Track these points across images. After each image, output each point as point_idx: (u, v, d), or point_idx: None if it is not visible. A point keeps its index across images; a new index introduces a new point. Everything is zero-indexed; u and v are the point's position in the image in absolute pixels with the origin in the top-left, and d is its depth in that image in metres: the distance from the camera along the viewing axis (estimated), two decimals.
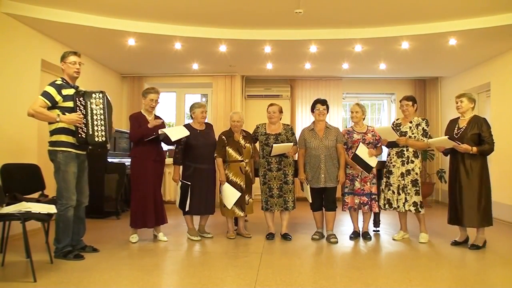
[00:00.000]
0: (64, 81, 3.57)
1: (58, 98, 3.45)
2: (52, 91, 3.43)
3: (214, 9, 4.56)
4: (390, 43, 5.35)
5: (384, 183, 4.40)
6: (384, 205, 4.37)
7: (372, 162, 4.28)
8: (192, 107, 4.46)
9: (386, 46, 5.51)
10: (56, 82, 3.51)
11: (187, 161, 4.34)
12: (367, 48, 5.56)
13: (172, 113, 7.96)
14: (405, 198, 4.24)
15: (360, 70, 7.03)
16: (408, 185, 4.23)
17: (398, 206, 4.27)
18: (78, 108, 3.49)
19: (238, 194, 4.25)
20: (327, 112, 4.40)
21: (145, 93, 4.23)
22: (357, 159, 4.26)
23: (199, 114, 4.38)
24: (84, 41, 5.28)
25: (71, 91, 3.53)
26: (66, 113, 3.45)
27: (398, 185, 4.27)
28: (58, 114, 3.42)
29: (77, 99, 3.50)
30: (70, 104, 3.50)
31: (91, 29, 4.77)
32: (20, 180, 3.76)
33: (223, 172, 4.32)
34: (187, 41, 5.31)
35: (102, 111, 3.58)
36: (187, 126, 4.40)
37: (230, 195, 4.26)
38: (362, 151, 4.27)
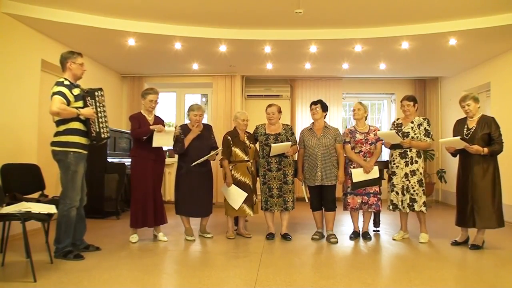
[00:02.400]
0: (68, 81, 3.57)
1: (71, 98, 3.49)
2: (66, 91, 3.46)
3: (214, 9, 4.57)
4: (390, 43, 5.35)
5: (389, 185, 4.39)
6: (389, 206, 4.34)
7: (374, 174, 4.28)
8: (188, 109, 4.38)
9: (386, 46, 5.51)
10: (65, 83, 3.52)
11: (180, 161, 4.33)
12: (367, 48, 5.56)
13: (172, 113, 7.96)
14: (410, 199, 4.20)
15: (360, 70, 7.03)
16: (415, 186, 4.19)
17: (403, 207, 4.22)
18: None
19: (245, 194, 4.25)
20: (323, 110, 4.39)
21: (144, 94, 4.23)
22: (359, 185, 4.26)
23: (193, 118, 4.29)
24: (84, 41, 5.28)
25: (78, 91, 3.58)
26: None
27: (402, 186, 4.23)
28: (78, 109, 3.48)
29: (87, 99, 3.57)
30: (79, 104, 3.54)
31: (91, 29, 4.77)
32: (20, 180, 3.76)
33: (230, 174, 4.29)
34: (187, 41, 5.31)
35: (104, 108, 3.68)
36: (184, 126, 4.37)
37: (237, 196, 4.25)
38: (358, 175, 4.25)
